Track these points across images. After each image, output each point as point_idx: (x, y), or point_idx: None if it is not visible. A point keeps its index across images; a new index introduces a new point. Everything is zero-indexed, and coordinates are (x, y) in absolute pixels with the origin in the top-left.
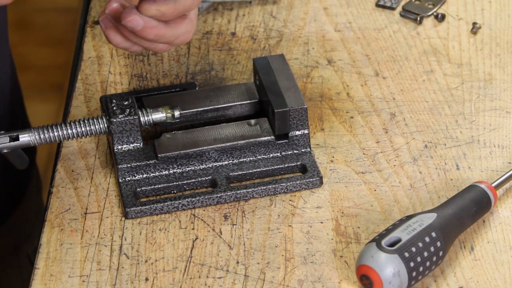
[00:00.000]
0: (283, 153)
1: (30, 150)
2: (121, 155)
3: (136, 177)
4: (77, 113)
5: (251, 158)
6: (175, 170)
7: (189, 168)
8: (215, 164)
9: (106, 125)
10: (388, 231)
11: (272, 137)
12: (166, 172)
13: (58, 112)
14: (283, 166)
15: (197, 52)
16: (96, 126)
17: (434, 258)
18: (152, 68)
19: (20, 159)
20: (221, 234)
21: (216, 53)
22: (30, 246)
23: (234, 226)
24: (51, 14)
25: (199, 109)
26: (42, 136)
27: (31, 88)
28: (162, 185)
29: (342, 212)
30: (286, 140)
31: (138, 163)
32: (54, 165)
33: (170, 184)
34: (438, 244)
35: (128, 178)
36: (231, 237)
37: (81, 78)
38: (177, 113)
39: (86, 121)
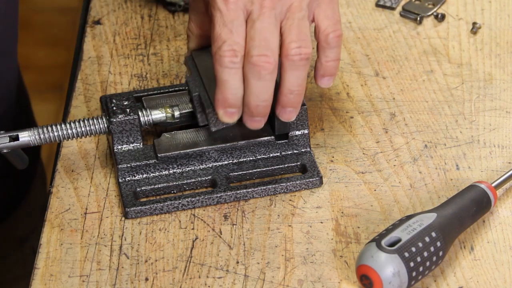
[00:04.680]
0: (283, 153)
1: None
2: (121, 155)
3: (136, 177)
4: (77, 113)
5: (251, 158)
6: (175, 170)
7: (189, 168)
8: (215, 164)
9: (106, 125)
10: (388, 231)
11: (272, 137)
12: (166, 172)
13: (58, 112)
14: (283, 166)
15: None
16: (96, 126)
17: (434, 258)
18: (152, 68)
19: (20, 159)
20: (221, 234)
21: None
22: (35, 240)
23: (234, 226)
24: (51, 14)
25: None
26: (42, 136)
27: (31, 88)
28: (162, 185)
29: (342, 212)
30: (286, 140)
31: (138, 163)
32: (54, 165)
33: (170, 184)
34: (438, 244)
35: (128, 178)
36: (231, 237)
37: (81, 78)
38: (177, 113)
39: (86, 121)
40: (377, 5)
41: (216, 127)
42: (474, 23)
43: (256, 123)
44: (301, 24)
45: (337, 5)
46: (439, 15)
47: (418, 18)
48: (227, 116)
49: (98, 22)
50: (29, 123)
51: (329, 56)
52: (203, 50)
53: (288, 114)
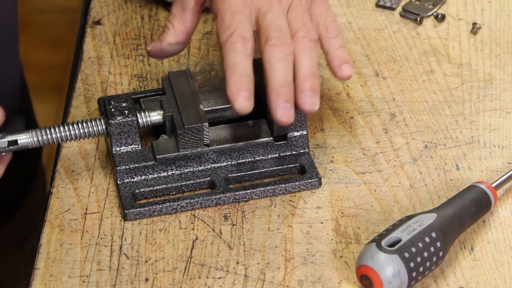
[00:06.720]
0: (281, 154)
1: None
2: (120, 157)
3: (135, 179)
4: (77, 113)
5: (250, 159)
6: (173, 172)
7: (187, 170)
8: (213, 166)
9: (104, 127)
10: (388, 231)
11: (271, 138)
12: (165, 173)
13: (58, 112)
14: (281, 167)
15: (197, 53)
16: (95, 128)
17: (434, 258)
18: (152, 68)
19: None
20: (221, 234)
21: (216, 53)
22: (35, 240)
23: (234, 226)
24: (51, 14)
25: None
26: (40, 138)
27: (31, 88)
28: (160, 187)
29: (342, 213)
30: (285, 141)
31: (137, 165)
32: (54, 166)
33: (169, 186)
34: (438, 244)
35: (127, 180)
36: (231, 237)
37: (81, 79)
38: None
39: (84, 123)
40: (377, 5)
41: (185, 149)
42: (474, 24)
43: (287, 110)
44: (304, 15)
45: (329, 4)
46: (439, 16)
47: (418, 19)
48: (243, 100)
49: (98, 23)
50: (31, 124)
51: (335, 45)
52: (179, 72)
53: (311, 99)
